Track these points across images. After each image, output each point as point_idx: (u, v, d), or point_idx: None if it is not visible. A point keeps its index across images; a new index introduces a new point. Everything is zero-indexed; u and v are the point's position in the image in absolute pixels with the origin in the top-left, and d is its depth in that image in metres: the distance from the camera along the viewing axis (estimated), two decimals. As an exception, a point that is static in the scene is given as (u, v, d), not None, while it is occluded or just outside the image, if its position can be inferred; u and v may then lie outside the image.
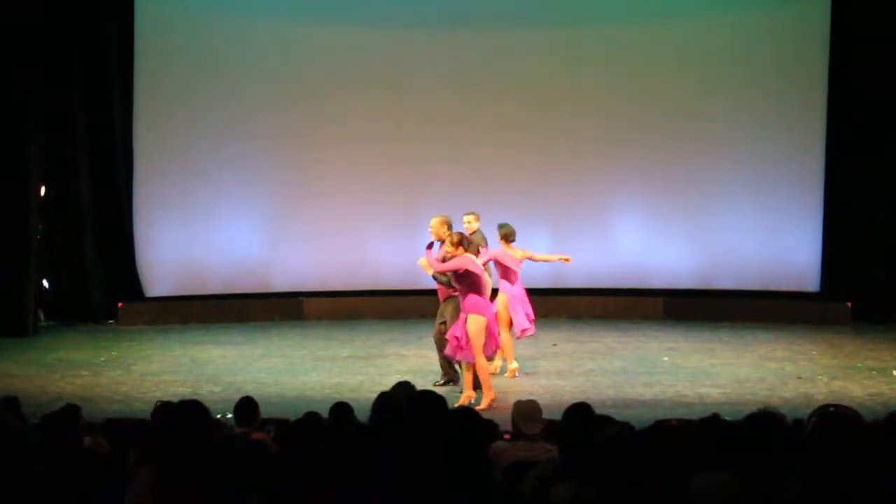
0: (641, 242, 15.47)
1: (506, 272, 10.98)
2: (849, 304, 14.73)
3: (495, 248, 10.98)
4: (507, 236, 11.04)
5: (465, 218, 11.25)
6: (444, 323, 10.09)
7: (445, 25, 15.61)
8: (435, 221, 10.33)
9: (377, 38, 15.54)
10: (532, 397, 9.45)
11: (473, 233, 11.13)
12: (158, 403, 5.78)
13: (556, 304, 15.00)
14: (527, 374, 11.11)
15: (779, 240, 15.23)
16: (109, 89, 14.82)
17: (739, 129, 15.39)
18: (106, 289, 14.95)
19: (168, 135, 15.23)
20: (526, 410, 5.50)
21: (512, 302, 10.90)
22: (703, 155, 15.58)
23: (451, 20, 15.62)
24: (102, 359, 12.06)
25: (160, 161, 15.22)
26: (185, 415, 4.53)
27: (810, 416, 4.36)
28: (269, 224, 15.62)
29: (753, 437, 3.96)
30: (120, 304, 14.89)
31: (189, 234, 15.30)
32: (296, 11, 15.54)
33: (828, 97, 14.93)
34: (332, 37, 15.55)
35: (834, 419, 4.13)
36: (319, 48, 15.56)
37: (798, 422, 5.19)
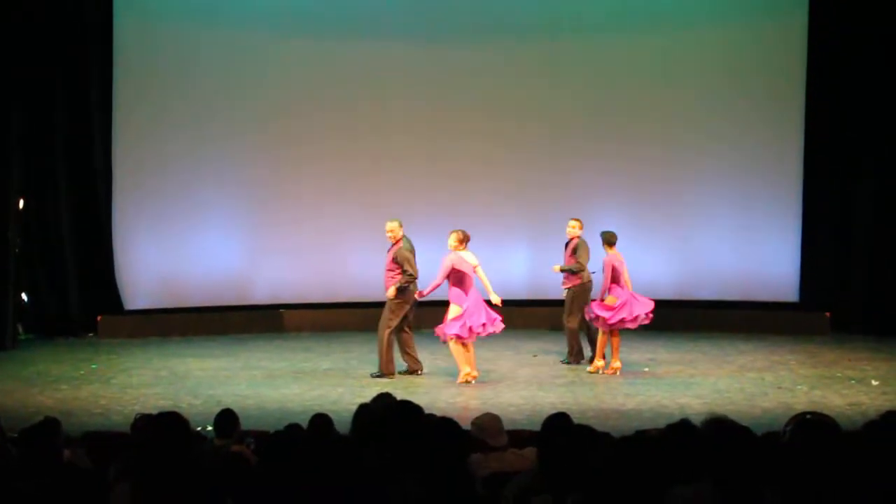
0: (622, 253, 15.49)
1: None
2: (828, 314, 14.84)
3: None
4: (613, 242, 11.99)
5: (571, 223, 11.94)
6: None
7: (425, 40, 15.65)
8: (394, 225, 11.45)
9: (357, 54, 15.56)
10: (511, 408, 9.56)
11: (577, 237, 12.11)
12: (138, 416, 5.76)
13: (537, 315, 15.03)
14: (506, 384, 11.15)
15: (758, 250, 15.32)
16: (89, 103, 14.77)
17: (719, 140, 15.49)
18: (85, 302, 14.88)
19: (147, 148, 15.18)
20: (488, 425, 5.49)
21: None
22: (683, 167, 15.66)
23: (430, 35, 15.66)
24: (82, 372, 12.00)
25: (140, 174, 15.16)
26: (164, 427, 4.51)
27: (787, 423, 4.37)
28: (249, 237, 15.59)
29: (716, 444, 3.98)
30: (99, 317, 14.83)
31: (169, 247, 15.25)
32: (276, 27, 15.50)
33: (805, 110, 15.07)
34: (312, 52, 15.57)
35: (811, 426, 4.15)
36: (300, 64, 15.56)
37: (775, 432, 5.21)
